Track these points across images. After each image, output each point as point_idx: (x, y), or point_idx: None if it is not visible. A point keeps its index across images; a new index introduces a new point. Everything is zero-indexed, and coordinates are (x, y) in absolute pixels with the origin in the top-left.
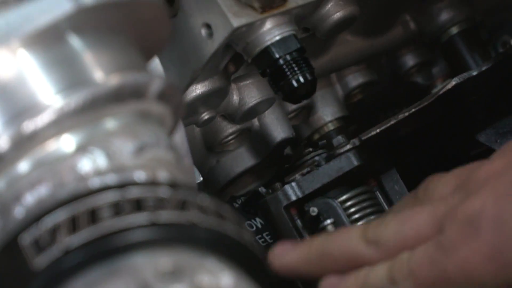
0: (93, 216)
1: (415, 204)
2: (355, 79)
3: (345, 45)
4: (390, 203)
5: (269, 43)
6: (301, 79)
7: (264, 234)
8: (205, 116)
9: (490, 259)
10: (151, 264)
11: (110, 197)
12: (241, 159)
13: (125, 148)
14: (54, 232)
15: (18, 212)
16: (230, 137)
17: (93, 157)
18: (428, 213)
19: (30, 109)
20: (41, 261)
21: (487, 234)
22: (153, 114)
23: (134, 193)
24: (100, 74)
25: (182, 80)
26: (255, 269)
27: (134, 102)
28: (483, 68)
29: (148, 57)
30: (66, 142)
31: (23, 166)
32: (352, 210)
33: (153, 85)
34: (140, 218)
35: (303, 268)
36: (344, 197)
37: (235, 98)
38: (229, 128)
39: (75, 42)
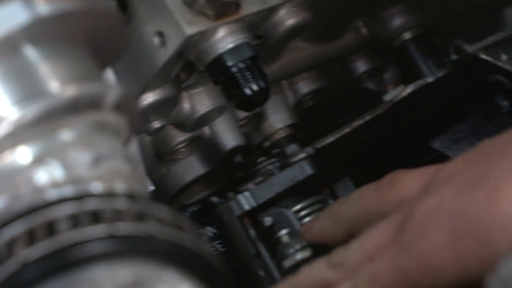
0: (50, 228)
1: (378, 195)
2: (306, 86)
3: (296, 52)
4: None
5: (222, 51)
6: (254, 87)
7: (215, 243)
8: (156, 124)
9: (448, 249)
10: (110, 276)
11: (68, 209)
12: (192, 168)
13: (81, 159)
14: (11, 245)
15: None
16: (181, 145)
17: (50, 168)
18: (387, 221)
19: None
20: None
21: (445, 226)
22: (109, 124)
23: (91, 205)
24: (56, 85)
25: (135, 89)
26: (214, 280)
27: (90, 113)
28: (439, 75)
29: (104, 66)
30: (22, 154)
31: None
32: (307, 219)
33: (109, 96)
34: (98, 230)
35: None
36: (298, 206)
37: (186, 106)
38: (180, 136)
39: (30, 52)
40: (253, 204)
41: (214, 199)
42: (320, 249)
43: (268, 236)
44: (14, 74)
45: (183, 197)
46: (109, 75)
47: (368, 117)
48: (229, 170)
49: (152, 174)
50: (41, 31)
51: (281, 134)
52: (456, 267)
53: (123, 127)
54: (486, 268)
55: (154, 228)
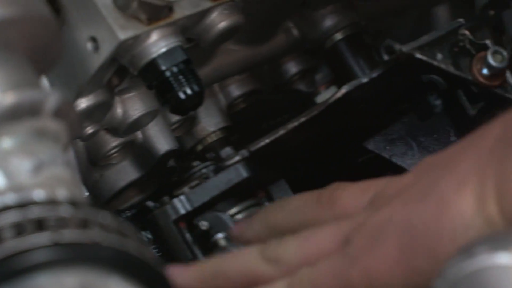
0: None
1: (318, 207)
2: (237, 89)
3: (228, 54)
4: None
5: (155, 55)
6: (188, 91)
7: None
8: (89, 130)
9: (397, 263)
10: (57, 284)
11: (11, 217)
12: (125, 173)
13: (23, 166)
14: None
15: None
16: (114, 151)
17: None
18: (333, 230)
19: None
20: None
21: (394, 240)
22: (49, 131)
23: (35, 212)
24: None
25: (69, 95)
26: (158, 286)
27: (30, 120)
28: (374, 75)
29: (41, 73)
30: None
31: None
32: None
33: (48, 102)
34: (43, 238)
35: None
36: (234, 210)
37: (119, 111)
38: (113, 142)
39: None
40: (189, 208)
41: (150, 203)
42: None
43: (205, 240)
44: None
45: (117, 202)
46: (43, 81)
47: (303, 119)
48: (162, 174)
49: (85, 180)
50: None
51: (213, 137)
52: (403, 282)
53: (62, 134)
54: None
55: (99, 235)
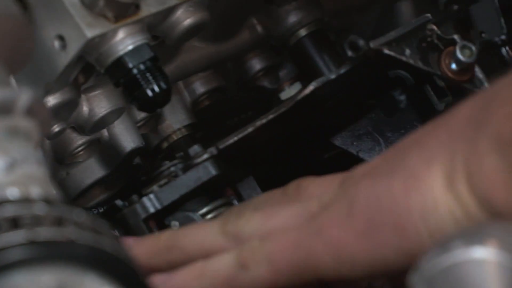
0: None
1: (284, 201)
2: (202, 86)
3: (192, 51)
4: None
5: (122, 53)
6: (156, 88)
7: None
8: (56, 128)
9: (364, 236)
10: (33, 283)
11: None
12: (91, 171)
13: None
14: None
15: None
16: (80, 149)
17: None
18: (298, 209)
19: None
20: None
21: (360, 213)
22: (21, 129)
23: (9, 211)
24: None
25: (37, 93)
26: (134, 283)
27: (2, 119)
28: (341, 72)
29: (12, 71)
30: None
31: None
32: None
33: (20, 100)
34: (18, 236)
35: (150, 262)
36: (204, 210)
37: (85, 109)
38: (79, 140)
39: None
40: (158, 206)
41: (118, 202)
42: None
43: None
44: None
45: (83, 200)
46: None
47: (271, 116)
48: (128, 172)
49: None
50: None
51: (179, 135)
52: (370, 256)
53: (34, 132)
54: (405, 258)
55: (74, 233)
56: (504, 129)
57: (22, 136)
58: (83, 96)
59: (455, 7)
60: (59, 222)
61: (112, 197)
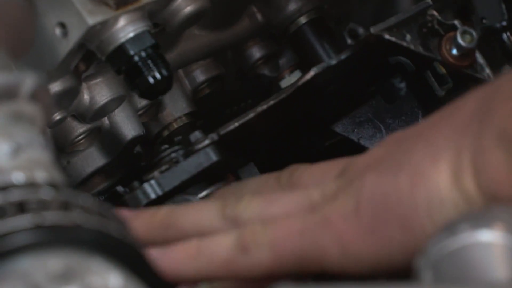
0: None
1: (278, 188)
2: (202, 74)
3: (192, 39)
4: None
5: (123, 40)
6: (157, 76)
7: None
8: (56, 116)
9: (370, 232)
10: (40, 267)
11: None
12: (92, 159)
13: (1, 150)
14: None
15: None
16: (81, 137)
17: None
18: (300, 197)
19: None
20: None
21: (369, 209)
22: (26, 114)
23: (15, 195)
24: None
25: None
26: (141, 268)
27: (7, 103)
28: (342, 57)
29: (16, 56)
30: None
31: None
32: None
33: (25, 85)
34: (24, 220)
35: (146, 237)
36: (203, 193)
37: (86, 97)
38: (79, 128)
39: None
40: (159, 192)
41: (120, 189)
42: None
43: None
44: None
45: (84, 189)
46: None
47: (272, 102)
48: (129, 160)
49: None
50: None
51: (179, 123)
52: (376, 253)
53: (39, 116)
54: (411, 255)
55: (80, 217)
56: (507, 125)
57: (27, 121)
58: (84, 84)
59: None
60: (65, 206)
61: (113, 186)
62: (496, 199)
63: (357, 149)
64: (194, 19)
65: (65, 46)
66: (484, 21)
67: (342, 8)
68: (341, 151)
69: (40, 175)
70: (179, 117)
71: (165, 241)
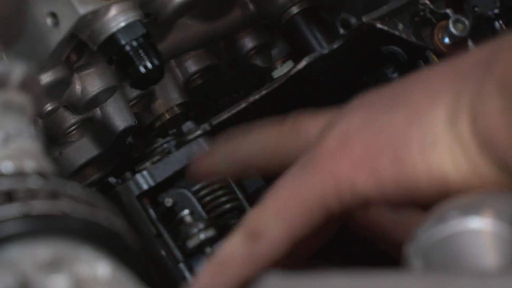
0: None
1: (281, 139)
2: (194, 64)
3: (184, 29)
4: (243, 188)
5: (114, 29)
6: (149, 65)
7: None
8: (48, 107)
9: (359, 163)
10: (28, 256)
11: None
12: (84, 150)
13: None
14: None
15: None
16: (73, 128)
17: None
18: (291, 171)
19: None
20: None
21: (361, 140)
22: (15, 103)
23: (4, 184)
24: None
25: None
26: (129, 256)
27: None
28: (334, 47)
29: (5, 46)
30: None
31: None
32: (207, 199)
33: (14, 74)
34: (12, 209)
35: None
36: (198, 186)
37: (78, 87)
38: (71, 119)
39: None
40: (152, 183)
41: (112, 179)
42: (224, 228)
43: (170, 216)
44: None
45: (77, 179)
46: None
47: (264, 92)
48: (121, 151)
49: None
50: None
51: (171, 113)
52: (368, 185)
53: (28, 106)
54: (402, 191)
55: (68, 206)
56: (510, 73)
57: (16, 110)
58: (75, 75)
59: None
60: (53, 195)
61: (105, 177)
62: (489, 144)
63: None
64: (185, 9)
65: (56, 36)
66: (476, 9)
67: None
68: None
69: (29, 165)
70: (171, 108)
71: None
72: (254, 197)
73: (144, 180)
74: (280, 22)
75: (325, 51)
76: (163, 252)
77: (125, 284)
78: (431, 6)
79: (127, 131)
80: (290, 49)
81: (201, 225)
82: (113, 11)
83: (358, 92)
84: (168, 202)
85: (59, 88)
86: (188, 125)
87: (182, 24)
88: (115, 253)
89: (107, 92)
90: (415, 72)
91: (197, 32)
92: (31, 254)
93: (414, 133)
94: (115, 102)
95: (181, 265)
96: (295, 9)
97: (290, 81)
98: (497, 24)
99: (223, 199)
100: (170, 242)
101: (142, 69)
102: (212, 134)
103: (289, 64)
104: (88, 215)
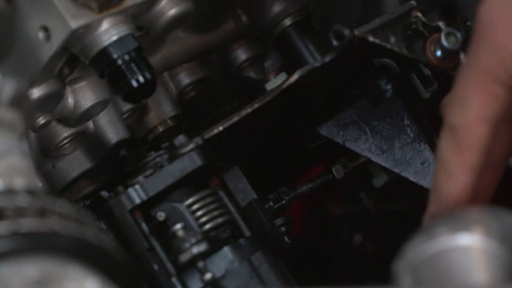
0: None
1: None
2: (187, 77)
3: (177, 42)
4: (235, 202)
5: (106, 43)
6: (141, 79)
7: None
8: (41, 120)
9: None
10: (16, 274)
11: None
12: (77, 163)
13: None
14: None
15: None
16: (66, 141)
17: None
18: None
19: None
20: None
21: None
22: (5, 120)
23: None
24: None
25: (22, 84)
26: (118, 274)
27: None
28: (326, 60)
29: None
30: None
31: None
32: (200, 213)
33: (4, 92)
34: (1, 228)
35: None
36: (190, 200)
37: (70, 101)
38: (64, 132)
39: None
40: (144, 197)
41: (104, 193)
42: (216, 242)
43: (162, 230)
44: None
45: (70, 193)
46: None
47: (256, 105)
48: (114, 164)
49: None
50: None
51: (164, 126)
52: None
53: (18, 123)
54: None
55: (57, 224)
56: None
57: (6, 128)
58: (68, 88)
59: None
60: (42, 213)
61: (98, 189)
62: None
63: (343, 151)
64: (178, 21)
65: (48, 50)
66: (468, 22)
67: (328, 8)
68: (326, 153)
69: (19, 182)
70: (164, 120)
71: None
72: (246, 211)
73: (136, 194)
74: (273, 34)
75: (317, 64)
76: (155, 266)
77: None
78: (424, 19)
79: (120, 144)
80: (283, 61)
81: (193, 240)
82: (105, 25)
83: (351, 105)
84: (161, 216)
85: (51, 101)
86: (180, 138)
87: (175, 36)
88: (104, 271)
89: (100, 105)
90: None
91: (190, 44)
92: (20, 272)
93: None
94: (108, 115)
95: (174, 279)
96: (287, 21)
97: (282, 95)
98: None
99: (216, 213)
100: (163, 256)
101: (134, 83)
102: (204, 147)
103: (282, 76)
104: (77, 233)
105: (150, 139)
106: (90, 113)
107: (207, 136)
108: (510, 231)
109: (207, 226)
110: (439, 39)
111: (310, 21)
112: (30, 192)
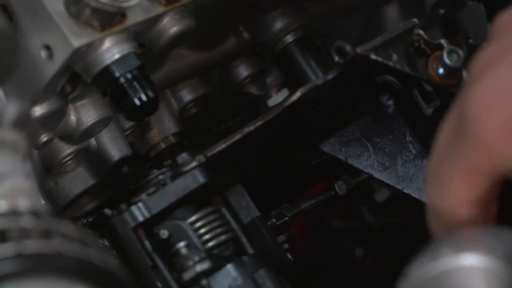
0: None
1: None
2: (189, 93)
3: (179, 59)
4: (238, 219)
5: (109, 61)
6: (143, 97)
7: None
8: (44, 138)
9: (505, 130)
10: None
11: None
12: (80, 180)
13: None
14: None
15: None
16: (68, 158)
17: None
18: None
19: None
20: None
21: (501, 107)
22: (8, 141)
23: None
24: None
25: (24, 103)
26: None
27: None
28: (328, 78)
29: None
30: None
31: None
32: (203, 231)
33: (7, 113)
34: (6, 249)
35: None
36: (193, 218)
37: (73, 118)
38: (67, 149)
39: None
40: (147, 215)
41: (107, 211)
42: (219, 259)
43: (165, 248)
44: None
45: (72, 210)
46: None
47: (259, 123)
48: (116, 180)
49: (40, 189)
50: None
51: (166, 143)
52: None
53: (21, 144)
54: None
55: (61, 245)
56: None
57: (9, 149)
58: (70, 106)
59: (441, 11)
60: (46, 234)
61: (101, 206)
62: None
63: (345, 167)
64: (180, 39)
65: (51, 68)
66: (470, 40)
67: (329, 25)
68: (328, 170)
69: (23, 203)
70: (167, 137)
71: None
72: (249, 228)
73: (139, 212)
74: (274, 51)
75: (320, 82)
76: (159, 284)
77: None
78: (426, 37)
79: (123, 161)
80: (285, 77)
81: (196, 258)
82: (107, 43)
83: (353, 122)
84: (164, 234)
85: (54, 119)
86: (183, 156)
87: (177, 53)
88: None
89: (102, 123)
90: None
91: (192, 61)
92: None
93: None
94: (110, 132)
95: None
96: (289, 38)
97: (284, 112)
98: None
99: (219, 230)
100: (166, 273)
101: (137, 102)
102: (207, 165)
103: (284, 92)
104: (81, 254)
105: (153, 156)
106: (92, 131)
107: (209, 153)
108: None
109: (210, 244)
110: (441, 57)
111: (312, 37)
112: (34, 213)
